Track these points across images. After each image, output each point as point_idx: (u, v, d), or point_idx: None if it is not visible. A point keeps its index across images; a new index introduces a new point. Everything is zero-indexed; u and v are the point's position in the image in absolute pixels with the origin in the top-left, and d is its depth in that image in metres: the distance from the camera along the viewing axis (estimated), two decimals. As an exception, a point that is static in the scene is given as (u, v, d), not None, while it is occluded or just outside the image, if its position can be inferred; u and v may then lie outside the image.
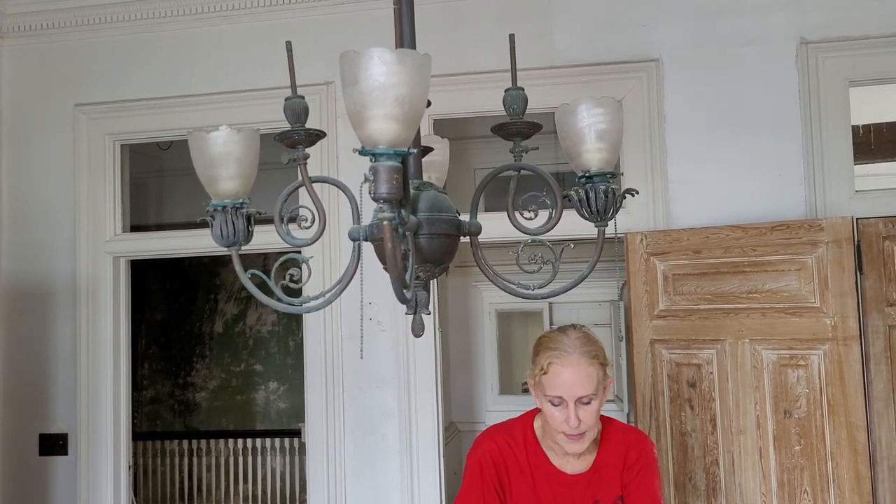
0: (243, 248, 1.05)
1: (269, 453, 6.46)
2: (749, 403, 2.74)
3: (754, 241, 2.79)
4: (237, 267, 1.05)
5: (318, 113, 3.28)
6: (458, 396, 4.83)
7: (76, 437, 3.39)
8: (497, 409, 4.55)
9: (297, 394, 6.56)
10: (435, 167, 1.33)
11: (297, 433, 6.06)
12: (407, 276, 0.88)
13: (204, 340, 7.39)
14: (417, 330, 1.00)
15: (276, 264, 1.04)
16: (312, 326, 3.25)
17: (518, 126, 1.02)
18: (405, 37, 1.05)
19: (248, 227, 1.04)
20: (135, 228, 3.87)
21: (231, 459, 6.47)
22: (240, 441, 6.47)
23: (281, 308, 1.03)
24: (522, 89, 1.04)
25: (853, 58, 2.99)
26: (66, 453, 3.41)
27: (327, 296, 1.01)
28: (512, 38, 1.04)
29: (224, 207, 1.03)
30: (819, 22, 3.02)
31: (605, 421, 1.92)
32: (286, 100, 1.03)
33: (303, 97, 1.02)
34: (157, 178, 5.58)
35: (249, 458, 6.46)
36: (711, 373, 2.82)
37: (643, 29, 3.15)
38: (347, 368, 3.24)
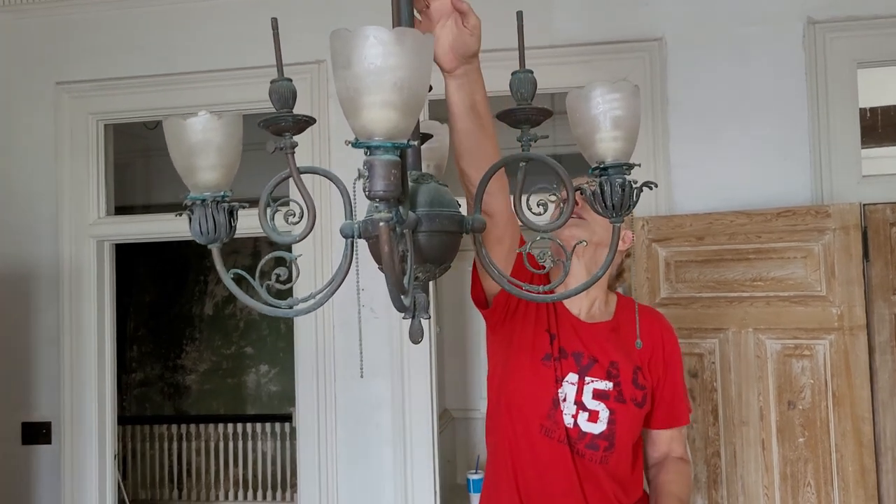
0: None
1: (259, 438, 6.40)
2: (752, 394, 2.67)
3: (759, 227, 2.70)
4: (218, 266, 0.96)
5: (308, 94, 3.17)
6: (452, 383, 4.76)
7: (60, 425, 3.29)
8: (492, 396, 4.48)
9: (288, 377, 6.47)
10: (433, 155, 1.24)
11: (288, 418, 5.99)
12: (405, 280, 0.79)
13: (194, 323, 7.29)
14: (416, 336, 0.91)
15: (261, 263, 0.95)
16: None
17: (527, 112, 0.93)
18: (403, 15, 0.95)
19: (230, 222, 0.95)
20: (120, 210, 3.76)
21: (221, 444, 6.40)
22: (230, 426, 6.40)
23: (266, 311, 0.94)
24: (531, 72, 0.94)
25: (862, 38, 2.89)
26: (49, 442, 3.32)
27: (317, 297, 0.92)
28: (520, 15, 0.94)
29: (203, 201, 0.93)
30: (827, 1, 2.92)
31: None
32: (272, 82, 0.93)
33: (290, 80, 0.93)
34: (143, 157, 5.46)
35: (240, 443, 6.39)
36: (714, 363, 2.75)
37: (646, 7, 3.04)
38: (339, 356, 3.15)
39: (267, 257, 0.95)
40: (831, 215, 2.62)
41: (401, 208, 0.80)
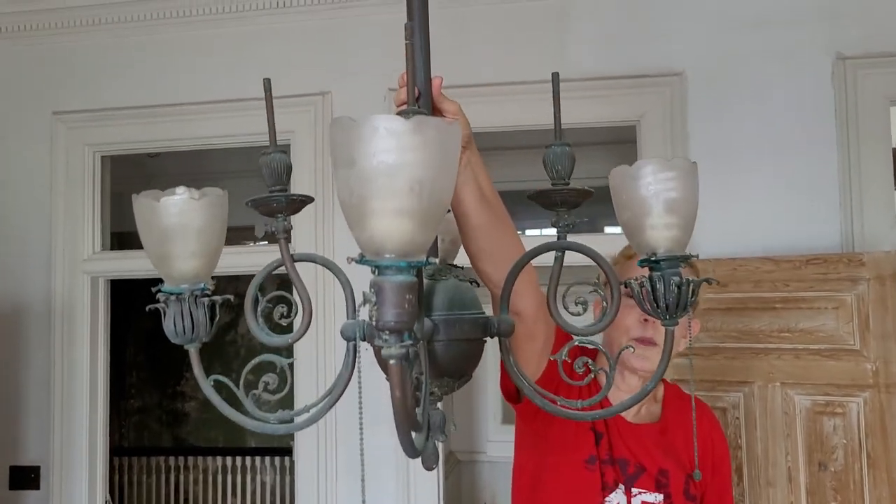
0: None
1: (259, 470, 6.23)
2: (779, 453, 2.51)
3: (787, 274, 2.55)
4: (196, 370, 0.81)
5: (311, 127, 3.04)
6: (459, 424, 4.60)
7: (49, 470, 3.14)
8: (499, 439, 4.30)
9: (289, 406, 6.32)
10: (447, 227, 1.09)
11: (288, 451, 5.83)
12: (419, 413, 0.65)
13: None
14: (430, 462, 0.76)
15: (247, 369, 0.81)
16: (303, 357, 3.00)
17: (564, 194, 0.78)
18: (421, 84, 0.80)
19: (210, 319, 0.80)
20: (119, 236, 3.63)
21: (220, 476, 6.24)
22: (229, 458, 6.24)
23: (250, 426, 0.79)
24: (569, 145, 0.80)
25: (894, 75, 2.75)
26: (38, 487, 3.16)
27: (312, 412, 0.78)
28: (555, 77, 0.80)
29: (179, 294, 0.79)
30: (857, 36, 2.78)
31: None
32: (262, 154, 0.79)
33: (284, 151, 0.78)
34: (145, 185, 5.30)
35: (239, 476, 6.23)
36: (738, 418, 2.59)
37: (665, 40, 2.91)
38: (340, 404, 2.99)
39: (254, 361, 0.81)
40: (865, 264, 2.47)
41: (416, 325, 0.65)
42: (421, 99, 0.81)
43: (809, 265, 2.53)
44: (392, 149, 0.53)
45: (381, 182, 0.53)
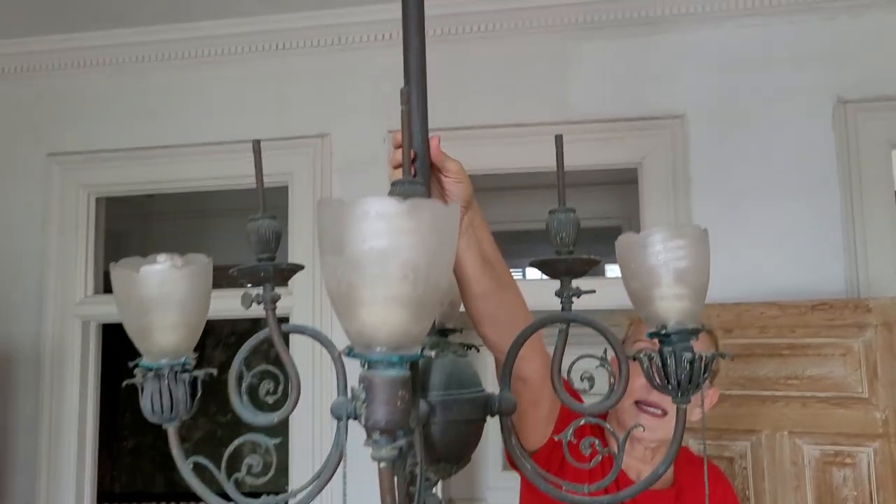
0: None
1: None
2: (788, 505, 2.44)
3: (793, 320, 2.50)
4: (175, 450, 0.76)
5: (310, 169, 3.01)
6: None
7: (36, 519, 3.06)
8: (500, 485, 4.19)
9: (286, 447, 6.23)
10: (448, 288, 1.04)
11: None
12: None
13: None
14: (426, 551, 0.70)
15: (228, 451, 0.75)
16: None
17: (569, 263, 0.74)
18: (418, 145, 0.74)
19: (191, 396, 0.75)
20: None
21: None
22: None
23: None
24: (573, 210, 0.75)
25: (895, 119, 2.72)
26: (23, 537, 3.08)
27: (300, 497, 0.72)
28: (559, 140, 0.76)
29: (158, 370, 0.74)
30: (857, 79, 2.76)
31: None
32: (249, 220, 0.74)
33: (274, 217, 0.74)
34: (142, 224, 5.29)
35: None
36: (745, 468, 2.52)
37: (666, 83, 2.89)
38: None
39: (236, 442, 0.76)
40: (872, 310, 2.42)
41: (411, 414, 0.60)
42: (417, 161, 0.76)
43: (816, 311, 2.48)
44: (383, 232, 0.48)
45: (372, 269, 0.48)
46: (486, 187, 4.37)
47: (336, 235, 0.49)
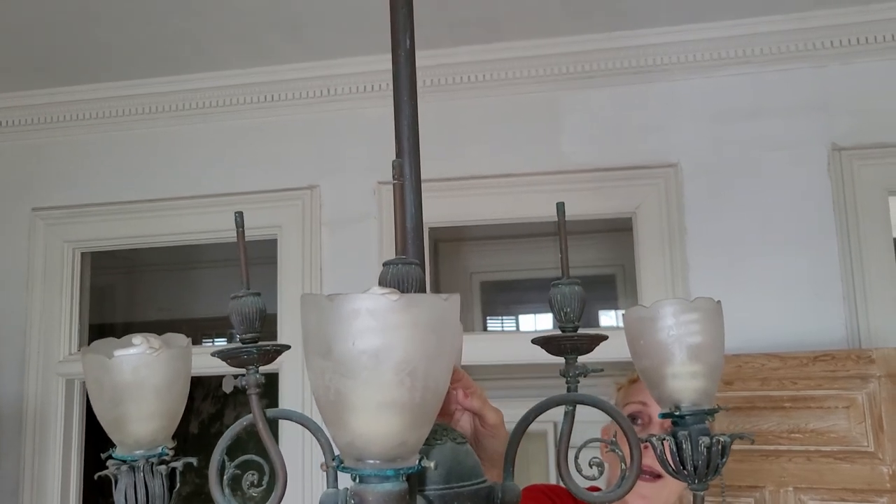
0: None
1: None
2: (796, 566, 2.35)
3: (794, 372, 2.45)
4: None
5: (299, 221, 2.96)
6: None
7: (14, 589, 2.94)
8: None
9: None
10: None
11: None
12: None
13: (177, 442, 6.89)
14: None
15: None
16: (291, 454, 2.84)
17: (575, 341, 0.69)
18: (410, 245, 0.68)
19: (169, 490, 0.69)
20: (99, 329, 3.50)
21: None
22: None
23: None
24: (579, 283, 0.71)
25: (892, 166, 2.70)
26: None
27: None
28: (560, 207, 0.72)
29: (133, 462, 0.68)
30: (851, 126, 2.75)
31: None
32: (232, 299, 0.69)
33: (258, 294, 0.69)
34: (126, 276, 5.21)
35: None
36: (750, 526, 2.44)
37: (658, 132, 2.87)
38: None
39: (218, 542, 0.69)
40: (875, 361, 2.37)
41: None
42: (410, 237, 0.71)
43: (818, 362, 2.42)
44: (375, 330, 0.43)
45: (363, 375, 0.43)
46: (479, 237, 4.36)
47: (322, 336, 0.44)
